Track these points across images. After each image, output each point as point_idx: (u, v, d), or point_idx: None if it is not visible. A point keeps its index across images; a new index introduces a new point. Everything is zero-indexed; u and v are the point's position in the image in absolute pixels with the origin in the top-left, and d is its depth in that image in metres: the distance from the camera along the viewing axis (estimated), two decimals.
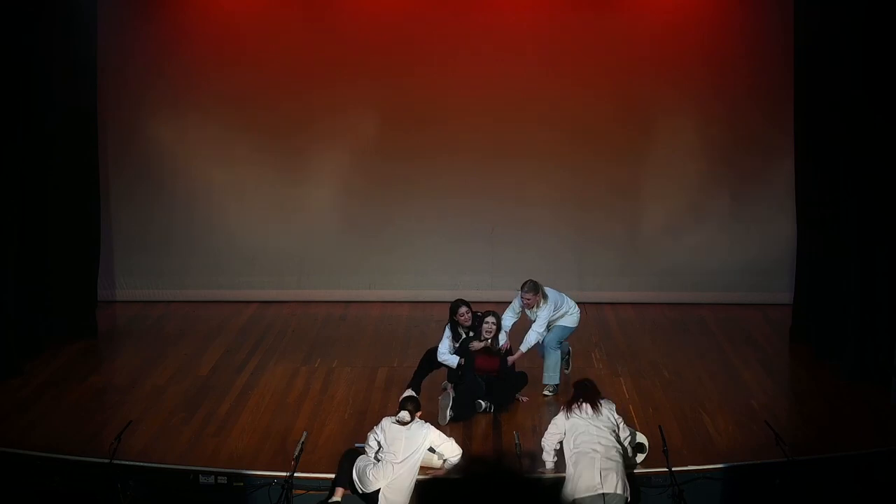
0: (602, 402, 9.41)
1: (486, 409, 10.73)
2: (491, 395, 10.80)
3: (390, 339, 13.29)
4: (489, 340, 10.95)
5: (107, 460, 9.24)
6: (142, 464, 9.58)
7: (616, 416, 9.37)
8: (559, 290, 11.50)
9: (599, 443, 9.08)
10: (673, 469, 9.08)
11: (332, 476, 9.38)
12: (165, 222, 14.86)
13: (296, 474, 9.10)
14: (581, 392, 9.42)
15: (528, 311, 11.32)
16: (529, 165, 14.64)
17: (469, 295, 13.12)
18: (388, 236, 14.77)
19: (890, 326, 11.21)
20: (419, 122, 14.59)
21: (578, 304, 11.55)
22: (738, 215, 14.72)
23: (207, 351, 12.86)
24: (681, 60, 14.39)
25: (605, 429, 9.20)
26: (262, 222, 14.87)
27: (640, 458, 9.51)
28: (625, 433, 9.34)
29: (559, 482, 8.98)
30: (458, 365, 10.89)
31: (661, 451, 9.21)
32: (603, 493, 8.89)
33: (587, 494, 8.89)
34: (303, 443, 9.27)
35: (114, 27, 14.11)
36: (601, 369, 12.08)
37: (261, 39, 14.48)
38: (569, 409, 9.32)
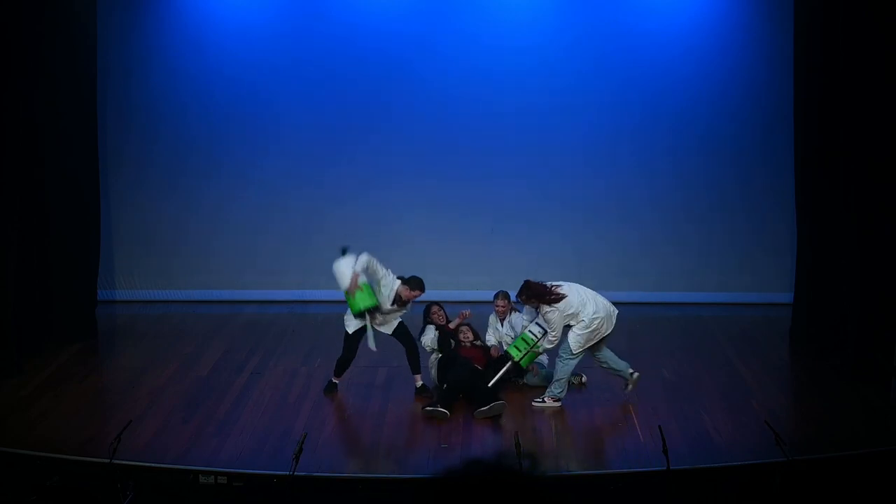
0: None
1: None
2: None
3: (390, 339, 13.26)
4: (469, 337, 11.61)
5: (107, 460, 9.23)
6: (142, 464, 9.57)
7: None
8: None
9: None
10: (673, 469, 9.07)
11: (332, 476, 9.40)
12: (165, 222, 14.87)
13: (296, 474, 9.09)
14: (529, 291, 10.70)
15: (498, 326, 11.59)
16: (529, 165, 14.64)
17: (468, 295, 13.18)
18: (388, 236, 14.73)
19: (890, 326, 11.20)
20: (419, 122, 14.59)
21: None
22: (737, 215, 14.72)
23: (207, 351, 12.85)
24: (680, 59, 14.40)
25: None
26: (262, 222, 14.87)
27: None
28: None
29: (559, 482, 8.98)
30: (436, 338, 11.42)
31: (660, 451, 9.19)
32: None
33: (607, 313, 10.86)
34: (302, 443, 9.25)
35: (114, 27, 14.13)
36: (601, 369, 12.04)
37: (258, 43, 14.49)
38: (550, 304, 10.62)
